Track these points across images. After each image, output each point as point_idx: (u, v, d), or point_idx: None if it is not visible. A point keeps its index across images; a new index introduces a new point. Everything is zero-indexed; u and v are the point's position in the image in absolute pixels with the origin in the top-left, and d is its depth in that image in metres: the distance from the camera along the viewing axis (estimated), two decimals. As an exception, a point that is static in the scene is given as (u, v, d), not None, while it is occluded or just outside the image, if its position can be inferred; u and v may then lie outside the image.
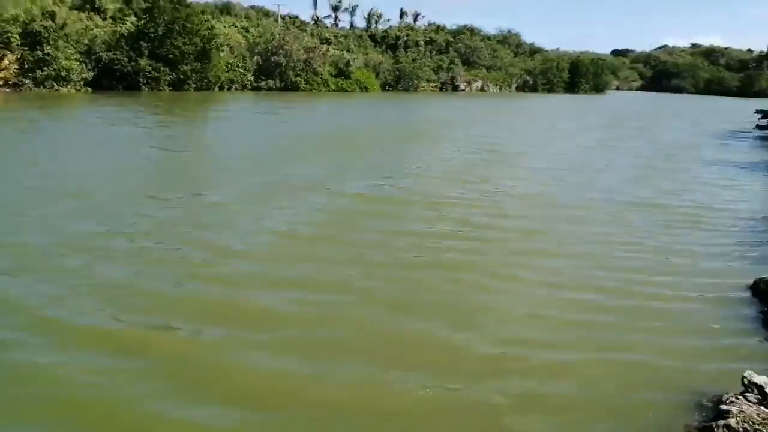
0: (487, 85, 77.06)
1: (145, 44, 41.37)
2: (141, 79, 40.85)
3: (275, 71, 54.66)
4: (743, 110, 37.68)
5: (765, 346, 5.52)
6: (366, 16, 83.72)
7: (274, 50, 54.54)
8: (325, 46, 62.78)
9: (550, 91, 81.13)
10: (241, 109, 33.82)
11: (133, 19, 44.94)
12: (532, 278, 7.15)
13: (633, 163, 17.15)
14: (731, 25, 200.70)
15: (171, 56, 42.78)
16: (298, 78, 56.02)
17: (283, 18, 73.99)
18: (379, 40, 75.09)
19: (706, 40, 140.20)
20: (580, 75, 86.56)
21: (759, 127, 29.06)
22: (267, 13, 74.09)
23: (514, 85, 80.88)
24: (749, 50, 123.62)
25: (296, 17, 76.89)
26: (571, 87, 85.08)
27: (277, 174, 13.34)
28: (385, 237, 8.58)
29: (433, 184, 12.99)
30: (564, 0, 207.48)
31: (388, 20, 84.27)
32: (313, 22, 79.14)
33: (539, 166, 16.27)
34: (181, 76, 43.86)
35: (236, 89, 51.18)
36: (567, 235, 8.96)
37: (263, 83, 53.64)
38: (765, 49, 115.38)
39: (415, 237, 8.65)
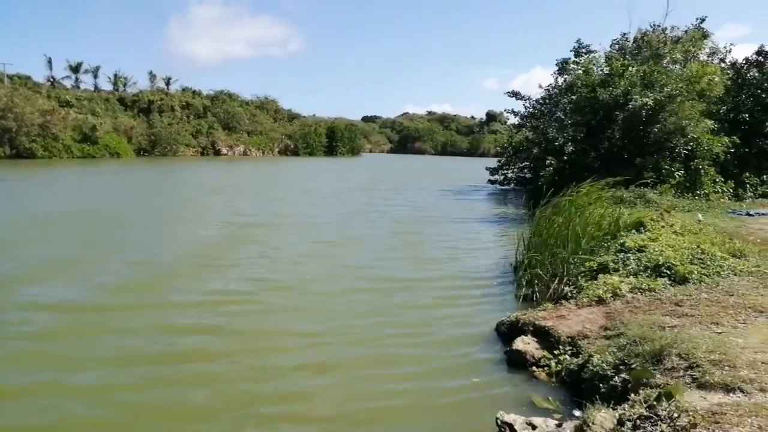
0: (250, 150, 77.47)
1: None
2: None
3: (4, 137, 47.82)
4: (474, 168, 43.58)
5: (511, 383, 6.10)
6: (112, 78, 78.47)
7: (0, 114, 47.72)
8: (65, 110, 57.01)
9: (311, 154, 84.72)
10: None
11: None
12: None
13: (392, 229, 17.00)
14: (458, 95, 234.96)
15: None
16: (34, 144, 49.77)
17: (10, 78, 65.38)
18: (129, 104, 70.70)
19: (440, 108, 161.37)
20: (336, 139, 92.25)
21: (490, 182, 33.89)
22: (-11, 73, 64.76)
23: (277, 149, 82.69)
24: (473, 117, 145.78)
25: (28, 78, 68.69)
26: (330, 150, 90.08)
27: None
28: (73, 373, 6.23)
29: (168, 276, 10.64)
30: (317, 71, 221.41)
31: (135, 83, 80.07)
32: (49, 83, 71.49)
33: (300, 239, 14.86)
34: None
35: (-51, 158, 43.40)
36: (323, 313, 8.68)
37: (-13, 151, 46.44)
38: (484, 117, 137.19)
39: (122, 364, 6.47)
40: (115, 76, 78.83)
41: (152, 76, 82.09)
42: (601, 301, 7.32)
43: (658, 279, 7.68)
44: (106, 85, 78.51)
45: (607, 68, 22.64)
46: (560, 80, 27.14)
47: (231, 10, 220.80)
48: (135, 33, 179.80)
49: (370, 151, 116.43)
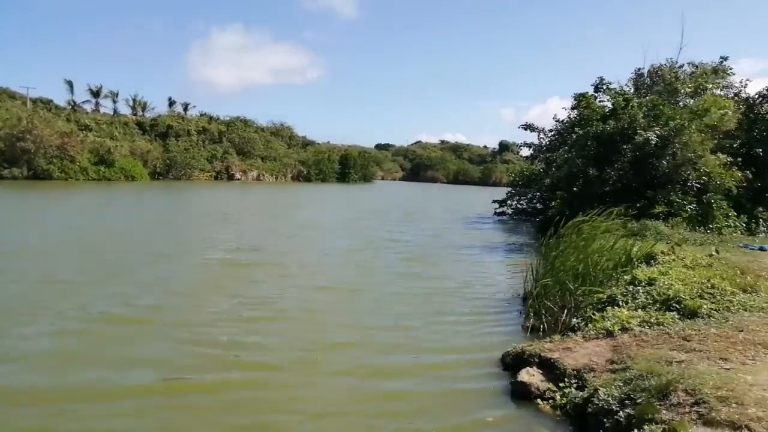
0: (263, 175, 78.20)
1: None
2: None
3: (22, 158, 48.72)
4: (486, 197, 43.45)
5: (515, 415, 6.03)
6: (131, 103, 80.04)
7: (20, 135, 48.76)
8: (84, 133, 58.09)
9: (324, 180, 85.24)
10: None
11: None
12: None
13: (399, 266, 15.60)
14: (471, 124, 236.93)
15: None
16: (51, 166, 50.63)
17: (33, 101, 66.94)
18: (147, 128, 71.93)
19: (453, 137, 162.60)
20: (349, 166, 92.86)
21: (496, 213, 34.07)
22: (13, 96, 66.37)
23: (290, 175, 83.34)
24: (485, 146, 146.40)
25: (50, 101, 70.33)
26: (343, 177, 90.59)
27: None
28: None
29: (116, 337, 8.23)
30: (333, 99, 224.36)
31: (154, 108, 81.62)
32: (70, 107, 73.02)
33: (292, 285, 12.29)
34: None
35: (-31, 178, 44.38)
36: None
37: (6, 171, 47.36)
38: (497, 146, 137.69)
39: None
40: (134, 100, 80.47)
41: (171, 102, 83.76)
42: (609, 334, 7.24)
43: (667, 313, 7.59)
44: (125, 110, 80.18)
45: (612, 102, 22.74)
46: (573, 114, 27.27)
47: (252, 37, 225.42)
48: (156, 58, 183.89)
49: (383, 179, 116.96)
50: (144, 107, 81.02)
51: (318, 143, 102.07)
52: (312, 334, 8.73)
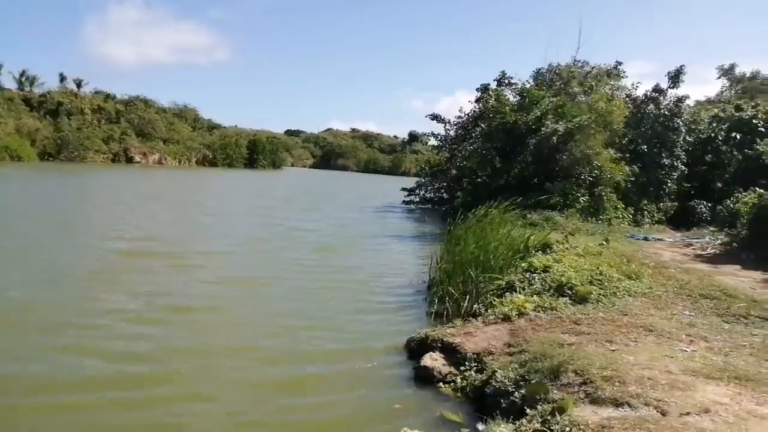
0: (165, 158, 74.47)
1: None
2: None
3: None
4: (395, 186, 43.86)
5: (418, 399, 6.14)
6: (17, 77, 73.49)
7: None
8: (-40, 107, 52.76)
9: (231, 166, 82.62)
10: None
11: None
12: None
13: (313, 246, 16.06)
14: (382, 113, 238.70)
15: None
16: None
17: None
18: (35, 104, 66.38)
19: (364, 126, 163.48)
20: (258, 152, 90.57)
21: (404, 202, 34.61)
22: None
23: (194, 159, 79.97)
24: (395, 136, 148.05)
25: None
26: (251, 163, 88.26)
27: None
28: None
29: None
30: (241, 81, 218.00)
31: (43, 83, 75.34)
32: (-57, 78, 65.87)
33: (192, 278, 11.45)
34: None
35: None
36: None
37: None
38: (407, 136, 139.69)
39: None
40: (21, 74, 73.95)
41: (62, 78, 77.65)
42: (506, 318, 7.54)
43: (560, 298, 8.02)
44: (10, 84, 73.48)
45: (521, 96, 23.72)
46: (477, 106, 28.18)
47: (153, 13, 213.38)
48: (46, 30, 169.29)
49: (292, 165, 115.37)
50: (32, 82, 74.79)
51: (225, 127, 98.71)
52: (213, 336, 7.93)
